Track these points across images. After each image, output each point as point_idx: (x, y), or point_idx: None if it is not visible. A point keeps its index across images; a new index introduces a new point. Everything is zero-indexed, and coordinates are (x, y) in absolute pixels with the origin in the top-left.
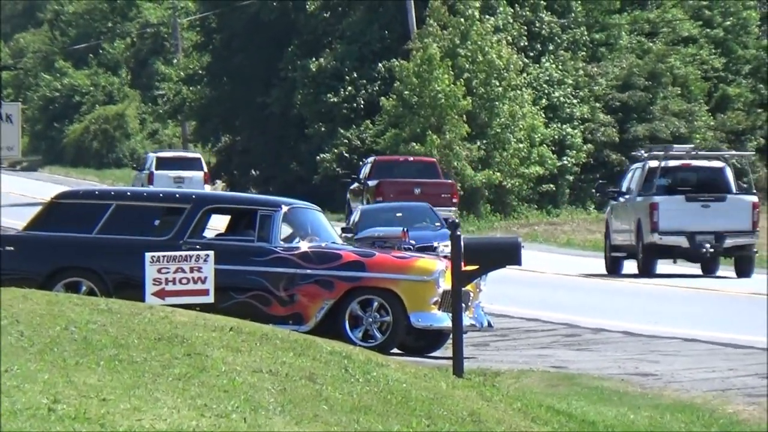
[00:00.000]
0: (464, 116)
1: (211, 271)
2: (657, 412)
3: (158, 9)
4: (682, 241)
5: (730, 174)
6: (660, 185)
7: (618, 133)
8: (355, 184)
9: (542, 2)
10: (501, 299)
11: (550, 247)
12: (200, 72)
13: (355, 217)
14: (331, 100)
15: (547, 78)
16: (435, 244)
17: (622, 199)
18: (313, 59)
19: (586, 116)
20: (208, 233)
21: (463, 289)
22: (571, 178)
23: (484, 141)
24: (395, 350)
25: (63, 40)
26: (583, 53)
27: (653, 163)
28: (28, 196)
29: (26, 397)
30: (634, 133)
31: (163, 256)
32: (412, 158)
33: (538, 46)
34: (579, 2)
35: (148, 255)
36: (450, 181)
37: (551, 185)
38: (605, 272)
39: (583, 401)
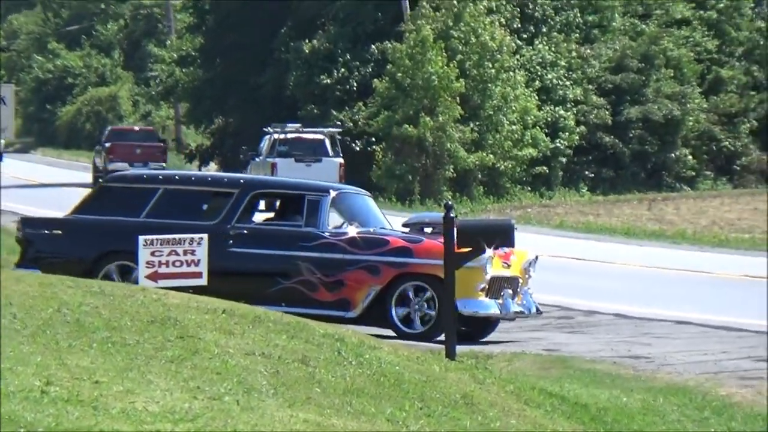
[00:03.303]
0: (457, 98)
1: (204, 254)
2: (650, 394)
3: None
4: None
5: (327, 144)
6: (280, 151)
7: (611, 115)
8: (98, 146)
9: None
10: None
11: (543, 229)
12: (193, 53)
13: None
14: (324, 81)
15: (540, 60)
16: None
17: (257, 160)
18: (307, 41)
19: (579, 98)
20: (258, 217)
21: (511, 275)
22: (563, 160)
23: (477, 123)
24: (388, 333)
25: (56, 21)
26: (576, 35)
27: (276, 136)
28: (21, 178)
29: (19, 380)
30: (626, 116)
31: (157, 239)
32: (137, 128)
33: (531, 27)
34: None
35: (141, 238)
36: (161, 144)
37: (544, 167)
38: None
39: (575, 384)
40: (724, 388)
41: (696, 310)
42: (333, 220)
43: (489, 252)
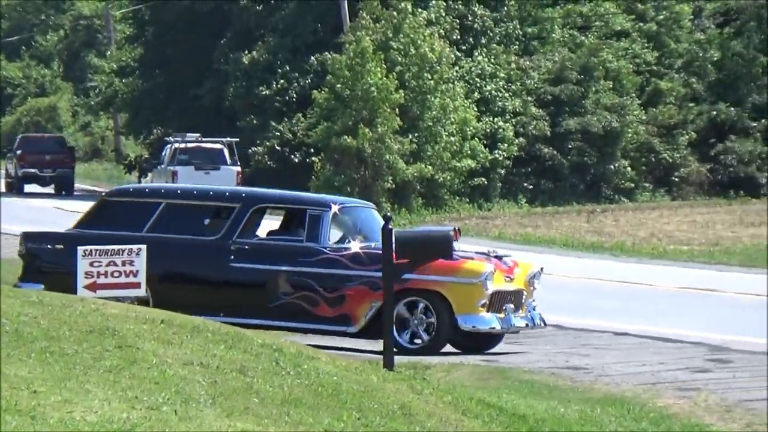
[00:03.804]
0: (396, 109)
1: (143, 265)
2: (587, 405)
3: (91, 1)
4: None
5: (226, 153)
6: (180, 159)
7: (550, 126)
8: (9, 153)
9: None
10: None
11: (482, 241)
12: (133, 64)
13: None
14: (264, 92)
15: (480, 71)
16: None
17: (160, 167)
18: (246, 52)
19: (518, 110)
20: (263, 230)
21: (515, 288)
22: (502, 171)
23: (416, 134)
24: (327, 343)
25: None
26: (516, 47)
27: (177, 145)
28: None
29: None
30: (566, 127)
31: (96, 250)
32: (47, 135)
33: (471, 39)
34: None
35: (80, 249)
36: (69, 152)
37: (483, 179)
38: None
39: (513, 395)
40: (661, 399)
41: (634, 321)
42: (336, 234)
43: (490, 267)
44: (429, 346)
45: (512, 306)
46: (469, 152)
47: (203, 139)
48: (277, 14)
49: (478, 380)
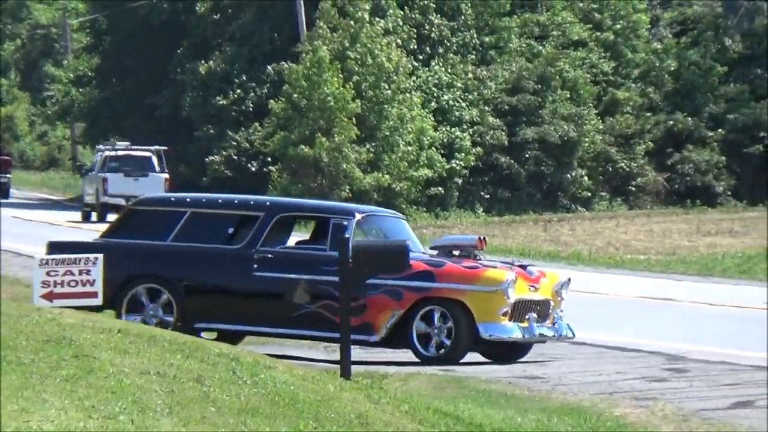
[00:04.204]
0: (353, 119)
1: (99, 274)
2: (544, 415)
3: (48, 10)
4: (122, 201)
5: (154, 160)
6: (110, 166)
7: (507, 136)
8: None
9: (432, 5)
10: None
11: None
12: (90, 73)
13: None
14: (220, 102)
15: (437, 81)
16: None
17: (91, 174)
18: (203, 61)
19: (475, 119)
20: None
21: (542, 298)
22: (459, 181)
23: (373, 144)
24: (284, 353)
25: None
26: (473, 56)
27: (108, 153)
28: None
29: None
30: (523, 137)
31: (52, 260)
32: None
33: (428, 48)
34: (469, 5)
35: (37, 258)
36: (7, 157)
37: (440, 188)
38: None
39: (470, 404)
40: (618, 409)
41: (591, 330)
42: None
43: (511, 275)
44: (449, 354)
45: (536, 315)
46: (426, 162)
47: (132, 147)
48: (234, 23)
49: (435, 389)
